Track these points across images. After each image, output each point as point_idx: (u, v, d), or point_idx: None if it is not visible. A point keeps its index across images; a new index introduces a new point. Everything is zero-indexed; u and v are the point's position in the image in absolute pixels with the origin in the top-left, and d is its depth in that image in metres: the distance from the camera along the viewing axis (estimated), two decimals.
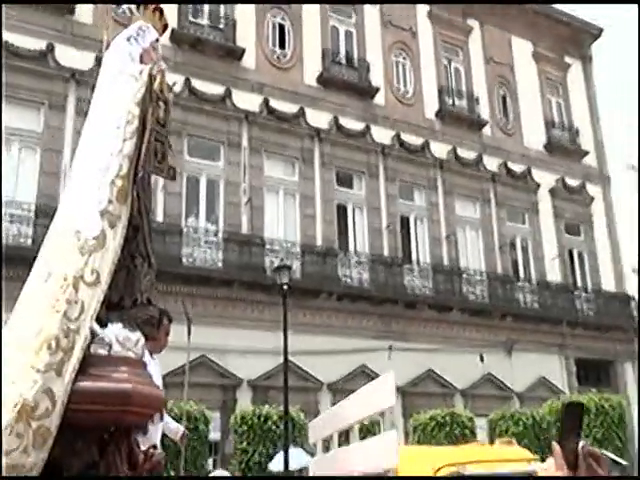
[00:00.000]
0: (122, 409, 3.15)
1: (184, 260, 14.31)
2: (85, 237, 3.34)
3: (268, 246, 15.27)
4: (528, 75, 21.31)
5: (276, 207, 16.16)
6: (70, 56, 14.23)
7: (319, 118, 16.98)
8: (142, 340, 3.51)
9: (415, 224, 17.84)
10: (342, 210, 16.95)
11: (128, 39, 4.18)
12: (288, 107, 16.63)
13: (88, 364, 3.12)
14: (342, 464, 4.76)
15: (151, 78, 3.77)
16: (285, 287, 12.84)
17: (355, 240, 16.76)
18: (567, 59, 22.56)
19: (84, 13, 14.69)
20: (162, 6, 4.45)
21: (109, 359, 3.27)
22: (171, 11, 15.29)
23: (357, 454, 4.57)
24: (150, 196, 3.99)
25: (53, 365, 2.97)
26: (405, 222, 17.70)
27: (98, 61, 14.29)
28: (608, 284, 20.66)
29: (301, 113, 16.70)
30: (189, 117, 15.07)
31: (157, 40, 4.30)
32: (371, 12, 18.80)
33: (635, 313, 20.66)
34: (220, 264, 14.67)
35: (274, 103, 16.41)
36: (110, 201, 3.45)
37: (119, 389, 3.18)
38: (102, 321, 3.31)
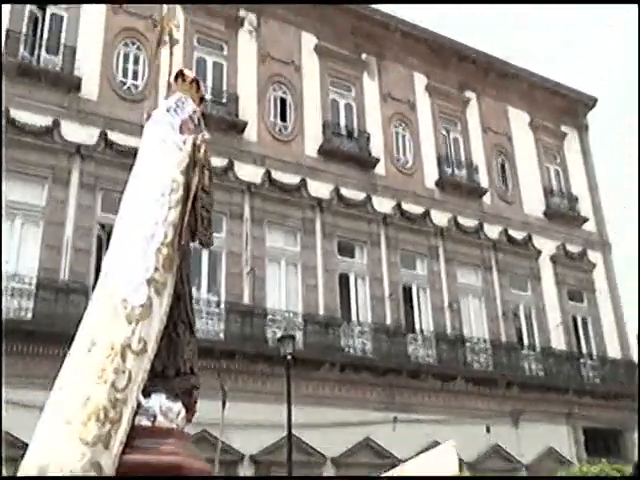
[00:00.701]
0: None
1: None
2: (132, 305, 3.33)
3: (270, 316, 15.24)
4: (525, 144, 21.75)
5: (278, 277, 16.20)
6: (75, 131, 14.62)
7: (320, 189, 17.25)
8: (183, 411, 3.48)
9: (417, 293, 17.84)
10: (344, 279, 17.00)
11: (168, 110, 4.33)
12: (290, 178, 16.91)
13: (133, 436, 3.07)
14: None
15: (195, 147, 3.88)
16: (289, 357, 12.76)
17: (358, 309, 16.73)
18: (563, 128, 23.06)
19: (90, 90, 15.15)
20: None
21: (154, 431, 3.25)
22: None
23: (417, 467, 4.47)
24: (190, 264, 3.98)
25: (101, 437, 2.90)
26: (407, 291, 17.70)
27: (103, 136, 14.72)
28: (613, 351, 20.47)
29: (302, 184, 16.97)
30: None
31: (195, 112, 4.46)
32: (370, 85, 19.37)
33: None
34: (222, 335, 14.61)
35: (276, 174, 16.70)
36: (156, 269, 3.47)
37: (168, 462, 3.14)
38: (146, 390, 3.28)
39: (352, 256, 17.36)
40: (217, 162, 15.99)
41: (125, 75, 15.93)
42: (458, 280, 18.39)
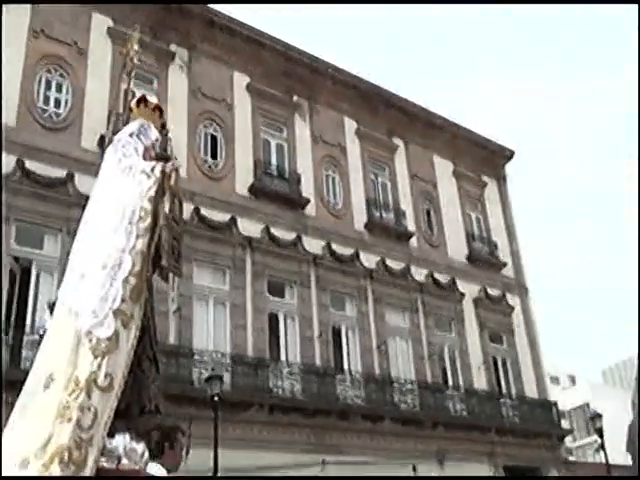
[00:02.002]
0: None
1: None
2: (98, 337, 3.13)
3: (197, 357, 14.87)
4: (449, 191, 22.59)
5: (205, 316, 15.90)
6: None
7: (250, 227, 17.19)
8: (146, 452, 3.23)
9: (347, 333, 17.92)
10: (274, 319, 16.86)
11: (131, 135, 4.14)
12: (219, 216, 16.77)
13: (97, 479, 2.85)
14: None
15: (164, 175, 3.73)
16: (216, 399, 12.43)
17: (287, 350, 16.59)
18: (484, 178, 24.15)
19: (7, 116, 14.57)
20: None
21: (118, 473, 3.03)
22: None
23: None
24: (153, 296, 3.74)
25: None
26: (337, 331, 17.75)
27: (20, 164, 14.18)
28: (530, 391, 21.18)
29: (232, 222, 16.86)
30: None
31: (157, 139, 4.30)
32: (301, 127, 19.68)
33: (556, 419, 21.21)
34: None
35: (205, 211, 16.52)
36: (123, 300, 3.28)
37: None
38: (109, 430, 3.06)
39: (282, 296, 17.29)
40: None
41: (47, 103, 15.50)
42: (386, 321, 18.63)
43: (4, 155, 14.13)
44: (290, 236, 17.79)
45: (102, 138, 15.41)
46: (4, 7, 15.22)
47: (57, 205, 14.35)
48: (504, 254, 23.11)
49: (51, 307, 11.81)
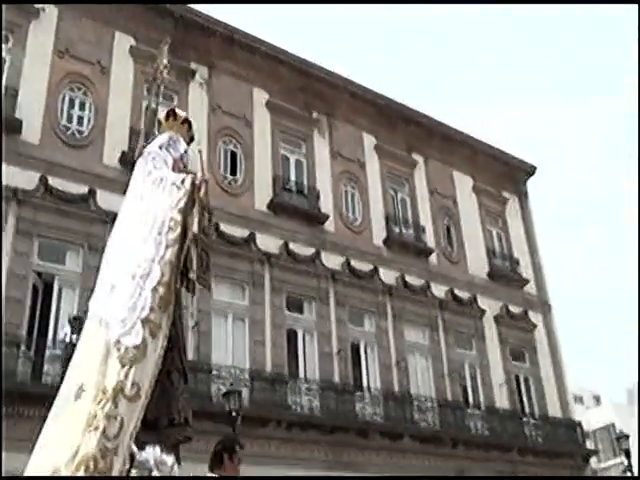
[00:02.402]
0: None
1: None
2: (126, 346, 3.12)
3: (215, 372, 14.84)
4: (470, 207, 22.44)
5: (224, 332, 15.88)
6: (14, 175, 14.20)
7: (269, 243, 17.21)
8: (176, 465, 3.23)
9: (365, 350, 17.79)
10: (292, 335, 16.81)
11: (160, 147, 4.20)
12: (238, 232, 16.81)
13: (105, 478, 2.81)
14: None
15: (194, 187, 3.76)
16: (234, 414, 12.38)
17: (305, 366, 16.50)
18: (505, 194, 23.95)
19: (31, 133, 14.82)
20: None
21: None
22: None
23: None
24: (182, 307, 3.74)
25: None
26: (355, 348, 17.63)
27: (43, 181, 14.38)
28: (553, 410, 20.79)
29: (251, 238, 16.90)
30: None
31: (186, 152, 4.36)
32: (320, 143, 19.74)
33: (580, 440, 20.78)
34: None
35: (224, 227, 16.56)
36: (152, 309, 3.26)
37: None
38: (139, 441, 3.05)
39: (301, 312, 17.24)
40: None
41: (70, 120, 15.74)
42: (405, 338, 18.46)
43: (27, 172, 14.38)
44: (309, 252, 17.77)
45: (123, 154, 15.67)
46: (30, 25, 15.59)
47: (79, 221, 14.53)
48: (526, 270, 22.83)
49: (72, 322, 11.94)
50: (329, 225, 18.62)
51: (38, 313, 13.82)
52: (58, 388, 10.66)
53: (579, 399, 36.69)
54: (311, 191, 18.81)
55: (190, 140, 4.56)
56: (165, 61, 5.04)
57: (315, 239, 18.13)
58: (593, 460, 22.54)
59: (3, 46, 15.23)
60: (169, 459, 3.30)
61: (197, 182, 3.80)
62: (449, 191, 22.14)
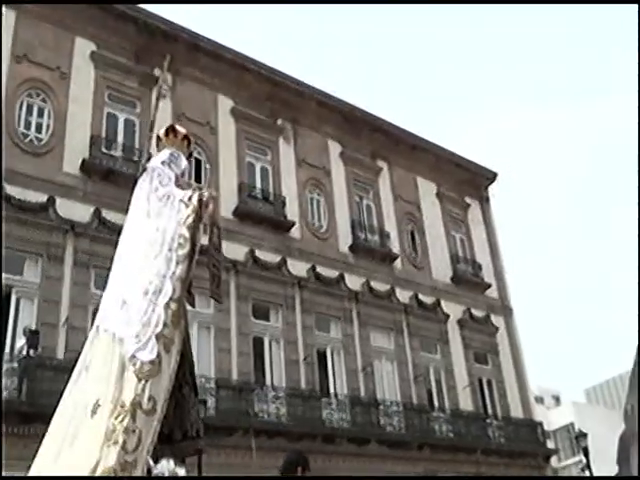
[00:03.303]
0: None
1: None
2: (141, 361, 3.17)
3: None
4: (433, 212, 22.76)
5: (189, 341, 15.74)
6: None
7: (235, 250, 17.13)
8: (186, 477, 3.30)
9: (332, 356, 17.89)
10: (259, 343, 16.79)
11: (162, 163, 4.25)
12: (203, 240, 16.68)
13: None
14: None
15: (201, 203, 3.84)
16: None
17: (272, 373, 16.52)
18: (467, 199, 24.37)
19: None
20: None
21: None
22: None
23: None
24: (187, 322, 3.75)
25: None
26: (322, 354, 17.71)
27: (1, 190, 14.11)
28: (516, 411, 21.22)
29: None
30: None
31: (186, 168, 4.41)
32: (286, 150, 19.79)
33: (541, 439, 21.27)
34: None
35: None
36: (165, 324, 3.33)
37: None
38: (154, 454, 3.08)
39: (267, 319, 17.24)
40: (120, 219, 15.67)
41: (28, 127, 15.43)
42: (371, 343, 18.63)
43: None
44: (275, 259, 17.79)
45: (84, 162, 15.46)
46: None
47: (38, 230, 14.19)
48: (488, 275, 23.26)
49: (27, 334, 11.72)
50: (295, 232, 18.67)
51: None
52: (13, 402, 10.41)
53: (540, 400, 37.54)
54: (277, 198, 18.83)
55: (189, 156, 4.65)
56: (168, 76, 5.14)
57: (281, 246, 18.15)
58: (554, 459, 23.04)
59: None
60: (181, 471, 3.43)
61: (204, 198, 3.95)
62: (413, 197, 22.42)
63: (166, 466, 3.42)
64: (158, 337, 3.31)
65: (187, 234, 3.75)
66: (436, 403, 19.44)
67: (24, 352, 12.75)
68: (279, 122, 19.95)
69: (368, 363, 18.14)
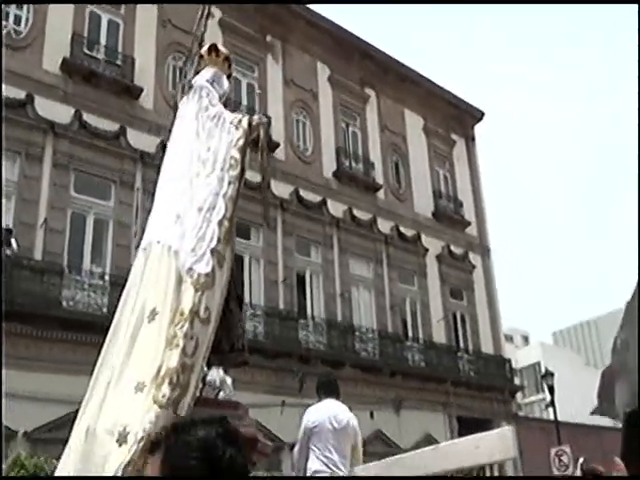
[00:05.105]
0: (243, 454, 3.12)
1: (64, 303, 13.28)
2: (198, 273, 3.32)
3: None
4: (419, 146, 22.47)
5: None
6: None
7: None
8: (232, 386, 3.60)
9: (311, 279, 17.80)
10: (238, 260, 16.53)
11: (208, 82, 4.24)
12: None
13: (199, 406, 3.06)
14: (448, 459, 4.60)
15: (250, 127, 3.99)
16: None
17: (251, 292, 16.35)
18: (453, 136, 24.09)
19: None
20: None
21: (220, 403, 3.51)
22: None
23: (468, 448, 4.42)
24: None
25: (171, 401, 2.89)
26: (301, 277, 17.60)
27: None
28: (486, 347, 21.58)
29: None
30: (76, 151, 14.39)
31: (227, 89, 4.62)
32: (274, 68, 19.17)
33: (509, 376, 21.78)
34: (105, 310, 13.73)
35: None
36: (219, 240, 3.47)
37: (246, 434, 3.12)
38: (208, 363, 3.33)
39: (248, 238, 16.98)
40: (108, 125, 15.13)
41: (6, 18, 14.52)
42: (350, 270, 18.57)
43: None
44: (257, 179, 17.34)
45: (64, 61, 14.75)
46: None
47: (16, 127, 13.61)
48: (469, 213, 23.25)
49: (4, 232, 11.32)
50: (279, 153, 18.26)
51: None
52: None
53: (510, 338, 38.46)
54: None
55: (228, 77, 4.67)
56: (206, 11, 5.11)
57: (252, 161, 17.69)
58: (519, 395, 23.68)
59: None
60: (229, 380, 3.67)
61: (254, 123, 4.06)
62: (399, 129, 22.07)
63: (217, 373, 3.71)
64: (213, 252, 3.43)
65: (238, 156, 3.87)
66: (410, 333, 19.60)
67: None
68: (268, 39, 19.26)
69: (346, 290, 18.11)
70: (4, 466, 9.32)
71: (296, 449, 4.85)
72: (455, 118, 24.24)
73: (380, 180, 20.56)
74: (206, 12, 5.25)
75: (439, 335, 20.02)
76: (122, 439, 2.78)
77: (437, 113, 23.48)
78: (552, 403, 20.40)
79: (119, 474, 2.68)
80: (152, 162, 15.43)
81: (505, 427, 4.55)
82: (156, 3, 16.87)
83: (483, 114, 25.31)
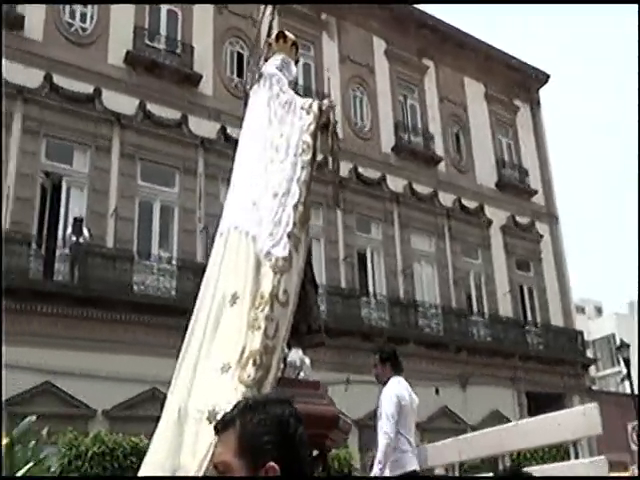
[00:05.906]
0: (326, 433, 3.26)
1: (135, 288, 13.84)
2: (276, 257, 3.41)
3: None
4: (480, 115, 21.89)
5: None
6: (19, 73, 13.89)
7: None
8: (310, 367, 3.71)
9: (372, 257, 17.82)
10: None
11: (277, 69, 4.31)
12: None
13: (281, 386, 3.16)
14: (531, 436, 4.71)
15: (321, 112, 4.03)
16: None
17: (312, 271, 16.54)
18: (516, 102, 23.32)
19: (34, 31, 14.29)
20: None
21: (302, 383, 3.45)
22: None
23: (550, 425, 4.47)
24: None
25: (256, 381, 3.02)
26: (362, 255, 17.65)
27: (48, 79, 13.99)
28: (556, 319, 21.06)
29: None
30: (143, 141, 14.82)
31: (295, 75, 4.64)
32: (329, 46, 19.04)
33: (581, 348, 21.21)
34: (173, 292, 14.23)
35: (231, 131, 16.19)
36: (295, 224, 3.55)
37: (328, 413, 3.25)
38: (288, 344, 3.40)
39: None
40: (170, 114, 15.47)
41: (72, 17, 15.09)
42: (412, 246, 18.46)
43: (30, 69, 13.93)
44: (319, 158, 17.42)
45: (128, 54, 15.15)
46: None
47: (85, 121, 14.23)
48: (535, 181, 22.57)
49: (74, 223, 11.95)
50: (337, 131, 18.17)
51: (47, 213, 13.79)
52: (67, 286, 10.73)
53: (581, 310, 37.25)
54: (319, 96, 18.24)
55: (295, 63, 4.73)
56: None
57: (323, 145, 17.72)
58: (592, 369, 23.08)
59: None
60: (307, 360, 3.76)
61: (324, 107, 4.09)
62: (459, 98, 21.55)
63: (296, 354, 3.61)
64: (289, 236, 3.50)
65: (309, 141, 3.91)
66: (475, 308, 19.35)
67: (73, 239, 13.04)
68: (323, 17, 19.10)
69: (408, 265, 18.03)
70: (87, 440, 9.75)
71: (389, 426, 4.44)
72: (518, 83, 23.44)
73: (440, 152, 20.22)
74: (269, 11, 5.30)
75: (505, 309, 19.69)
76: (212, 417, 2.88)
77: (498, 79, 22.77)
78: (628, 376, 19.82)
79: (210, 452, 2.76)
80: (213, 148, 15.80)
81: (589, 404, 4.48)
82: (213, 3, 16.97)
83: (548, 76, 24.36)
